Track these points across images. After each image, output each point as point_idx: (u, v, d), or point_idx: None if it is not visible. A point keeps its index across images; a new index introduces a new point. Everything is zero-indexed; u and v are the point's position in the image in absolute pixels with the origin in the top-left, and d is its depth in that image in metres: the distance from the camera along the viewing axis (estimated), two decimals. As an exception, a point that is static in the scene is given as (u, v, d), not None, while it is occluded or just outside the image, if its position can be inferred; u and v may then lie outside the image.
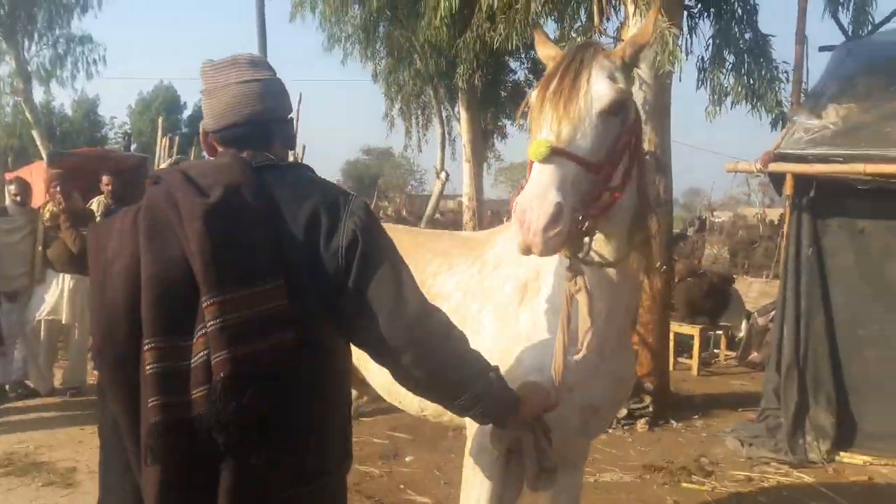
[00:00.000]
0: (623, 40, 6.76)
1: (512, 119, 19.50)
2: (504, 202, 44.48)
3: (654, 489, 4.88)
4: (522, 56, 17.81)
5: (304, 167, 1.88)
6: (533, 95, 1.95)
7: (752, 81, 7.65)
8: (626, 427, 6.18)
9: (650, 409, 6.40)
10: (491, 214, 23.60)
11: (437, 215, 21.29)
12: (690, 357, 8.67)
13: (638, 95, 6.58)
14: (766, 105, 7.86)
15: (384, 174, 48.82)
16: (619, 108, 1.93)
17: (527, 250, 1.77)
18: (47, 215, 6.74)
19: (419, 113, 18.81)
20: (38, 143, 19.48)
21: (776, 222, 18.56)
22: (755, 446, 5.54)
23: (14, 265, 6.71)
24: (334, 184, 1.85)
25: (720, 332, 9.07)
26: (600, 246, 2.06)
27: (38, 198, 7.90)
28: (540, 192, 1.73)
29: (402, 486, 4.83)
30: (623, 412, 6.28)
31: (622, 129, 1.94)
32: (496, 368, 1.79)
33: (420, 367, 1.70)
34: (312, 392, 1.69)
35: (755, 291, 11.11)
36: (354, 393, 3.29)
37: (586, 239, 1.93)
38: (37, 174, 11.67)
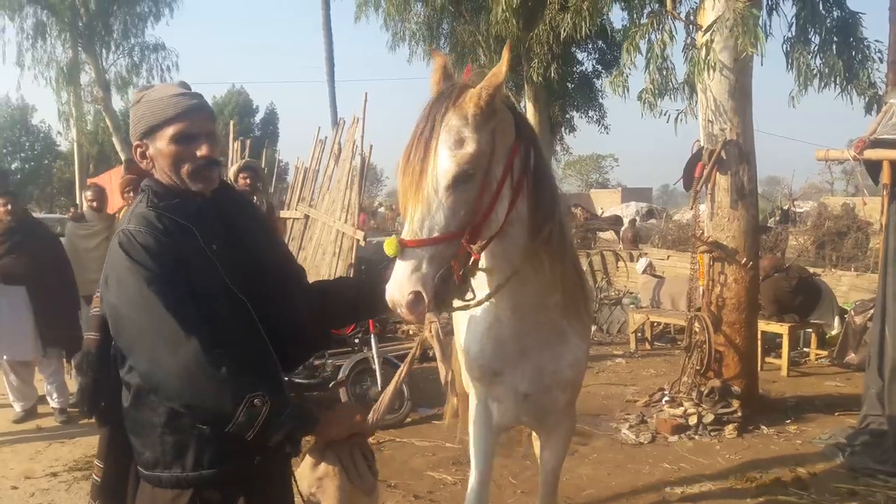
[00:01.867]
0: (700, 25, 6.52)
1: (580, 111, 19.14)
2: (573, 195, 43.87)
3: (746, 502, 4.55)
4: (589, 46, 17.44)
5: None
6: (399, 165, 2.09)
7: (841, 62, 7.17)
8: (713, 433, 5.84)
9: (738, 413, 6.03)
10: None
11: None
12: (779, 357, 8.21)
13: (718, 81, 6.23)
14: (857, 87, 7.36)
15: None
16: (471, 175, 2.02)
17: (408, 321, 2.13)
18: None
19: (487, 108, 18.59)
20: (119, 149, 20.13)
21: (863, 212, 17.60)
22: (858, 456, 5.13)
23: (92, 270, 6.81)
24: None
25: (810, 329, 8.55)
26: (490, 276, 2.29)
27: (115, 203, 8.03)
28: (398, 285, 1.97)
29: (477, 496, 4.63)
30: (710, 417, 5.95)
31: (486, 186, 2.06)
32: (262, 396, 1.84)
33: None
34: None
35: (845, 285, 10.51)
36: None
37: (471, 280, 2.11)
38: (115, 180, 12.01)
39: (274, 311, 2.07)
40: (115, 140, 20.40)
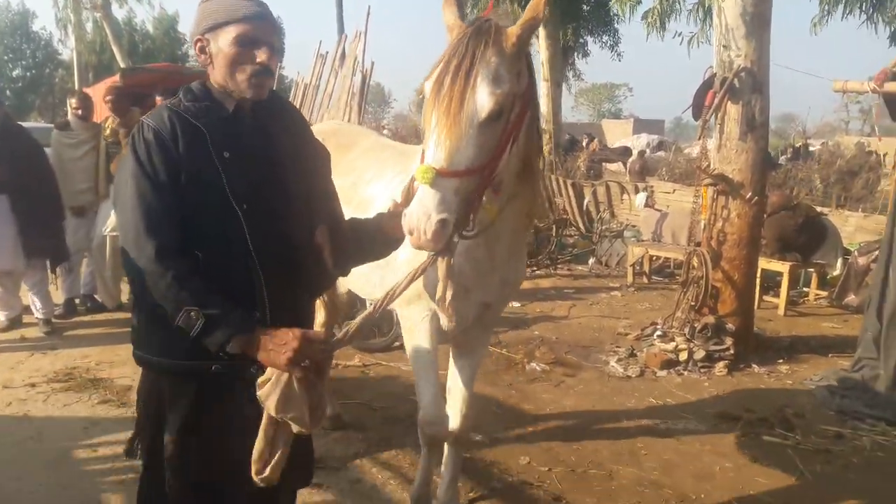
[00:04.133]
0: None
1: (594, 35, 18.54)
2: (584, 125, 43.12)
3: (730, 440, 4.48)
4: (607, -33, 16.73)
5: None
6: (427, 88, 2.11)
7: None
8: (703, 370, 5.75)
9: (731, 351, 5.93)
10: (569, 138, 22.76)
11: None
12: (777, 295, 8.08)
13: (734, 3, 5.88)
14: (884, 15, 6.99)
15: (461, 95, 47.85)
16: (501, 112, 2.09)
17: (421, 249, 2.08)
18: (108, 131, 6.62)
19: (496, 29, 17.98)
20: (119, 59, 19.66)
21: (876, 152, 17.20)
22: (848, 399, 5.03)
23: (79, 180, 6.66)
24: None
25: (812, 269, 8.39)
26: (484, 210, 2.28)
27: (103, 112, 7.79)
28: (425, 212, 2.00)
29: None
30: (701, 354, 5.86)
31: (507, 125, 2.13)
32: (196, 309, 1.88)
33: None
34: None
35: (851, 226, 10.30)
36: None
37: (472, 216, 2.17)
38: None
39: (289, 230, 2.09)
40: (115, 49, 19.89)
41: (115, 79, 11.95)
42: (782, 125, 44.98)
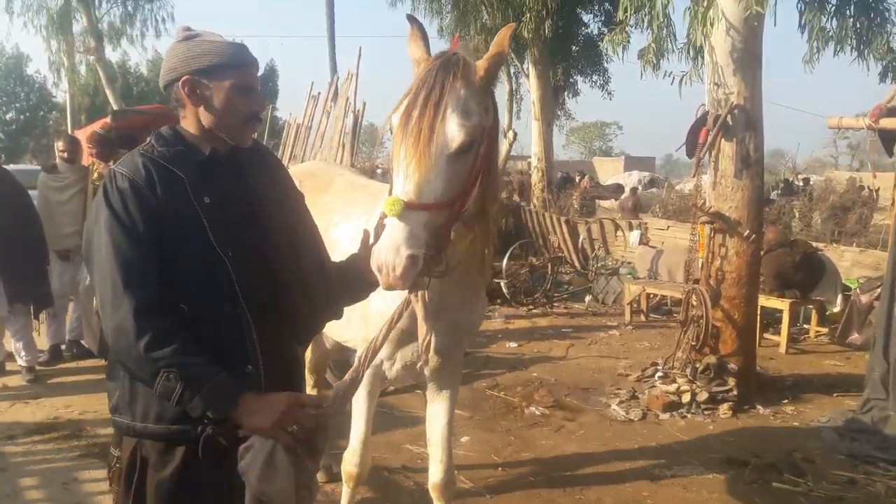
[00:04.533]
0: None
1: (584, 75, 18.63)
2: (576, 163, 43.39)
3: (739, 487, 4.31)
4: (596, 8, 16.90)
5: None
6: (394, 120, 2.05)
7: (858, 25, 6.79)
8: (706, 412, 5.58)
9: (734, 392, 5.77)
10: (561, 176, 22.81)
11: (505, 177, 20.63)
12: (778, 333, 7.95)
13: (725, 41, 5.86)
14: (874, 52, 6.99)
15: (454, 135, 48.15)
16: (472, 145, 2.04)
17: (390, 289, 1.99)
18: (95, 174, 6.51)
19: (486, 69, 18.06)
20: (112, 101, 19.64)
21: (868, 187, 17.23)
22: (858, 442, 4.88)
23: (65, 223, 6.51)
24: None
25: (811, 306, 8.27)
26: (454, 247, 2.21)
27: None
28: (394, 247, 1.92)
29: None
30: (704, 395, 5.70)
31: (476, 159, 2.08)
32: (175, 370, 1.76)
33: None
34: None
35: (848, 261, 10.19)
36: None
37: (442, 253, 2.09)
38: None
39: (277, 274, 1.98)
40: (108, 91, 19.90)
41: (104, 122, 11.94)
42: (772, 161, 45.33)
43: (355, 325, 3.00)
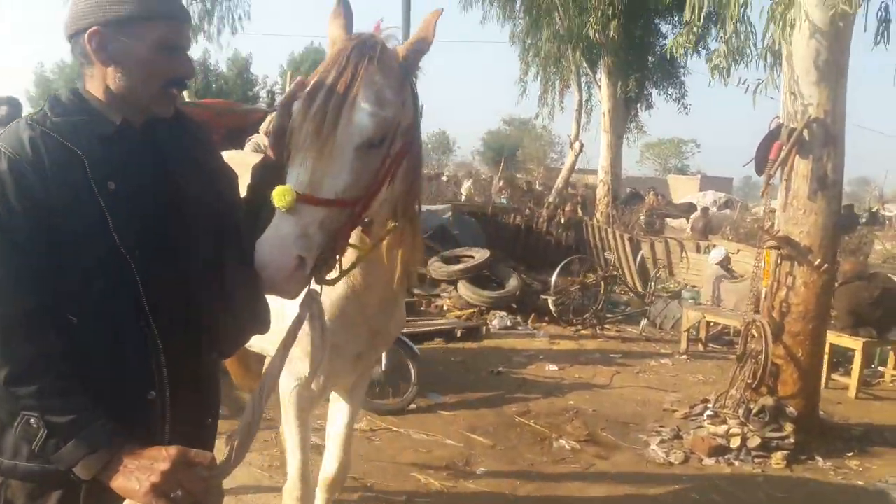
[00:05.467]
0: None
1: (659, 88, 17.92)
2: (649, 179, 42.24)
3: (787, 555, 3.76)
4: (674, 18, 16.18)
5: None
6: (296, 106, 1.76)
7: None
8: (757, 461, 4.99)
9: (791, 440, 5.16)
10: (629, 192, 22.06)
11: (570, 190, 20.06)
12: (848, 374, 7.22)
13: (805, 46, 5.27)
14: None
15: (524, 145, 47.67)
16: (383, 140, 1.77)
17: (272, 294, 1.72)
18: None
19: (556, 78, 17.57)
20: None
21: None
22: (933, 511, 4.24)
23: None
24: None
25: (889, 347, 7.49)
26: (351, 254, 2.02)
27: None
28: (280, 246, 1.64)
29: (461, 511, 3.97)
30: (756, 441, 5.11)
31: (387, 158, 1.80)
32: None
33: None
34: None
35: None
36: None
37: (336, 259, 1.84)
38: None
39: (196, 279, 1.66)
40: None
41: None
42: (857, 189, 43.22)
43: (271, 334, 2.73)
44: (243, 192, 1.86)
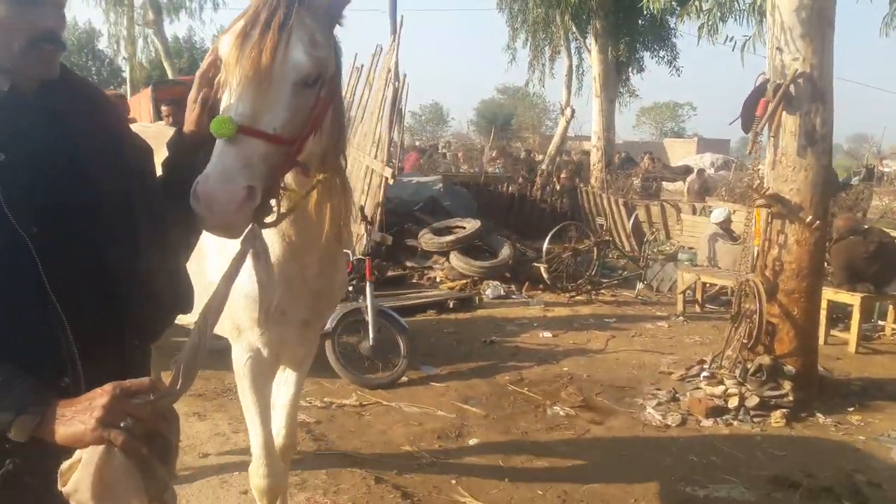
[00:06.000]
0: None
1: (651, 50, 17.67)
2: (646, 144, 41.94)
3: (785, 514, 3.70)
4: (664, -24, 15.90)
5: None
6: (224, 44, 1.73)
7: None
8: (756, 420, 4.93)
9: (790, 397, 5.08)
10: (622, 157, 21.85)
11: (563, 156, 19.85)
12: (847, 330, 7.15)
13: (792, 1, 5.11)
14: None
15: (518, 114, 47.28)
16: (317, 80, 1.77)
17: (218, 234, 1.70)
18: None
19: (545, 44, 17.31)
20: (170, 74, 19.75)
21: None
22: (934, 464, 4.18)
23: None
24: None
25: (888, 301, 7.41)
26: (289, 195, 2.03)
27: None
28: (227, 176, 1.60)
29: (452, 482, 3.90)
30: (754, 400, 5.04)
31: (318, 97, 1.80)
32: None
33: None
34: None
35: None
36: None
37: (272, 203, 1.82)
38: (143, 103, 11.55)
39: (105, 256, 1.48)
40: (165, 64, 20.04)
41: (147, 92, 11.85)
42: (854, 146, 42.92)
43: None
44: (159, 169, 1.74)
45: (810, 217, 5.28)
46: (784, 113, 5.27)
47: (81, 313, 1.43)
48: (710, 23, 5.79)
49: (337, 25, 1.91)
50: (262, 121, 1.66)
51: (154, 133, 2.89)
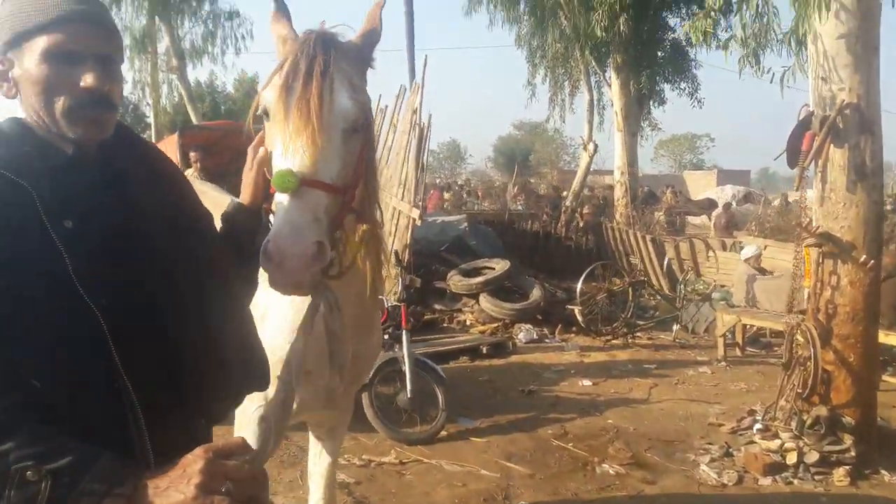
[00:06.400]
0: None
1: (671, 83, 17.56)
2: (665, 177, 41.75)
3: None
4: (682, 11, 15.84)
5: None
6: (269, 98, 1.70)
7: None
8: (817, 477, 4.64)
9: (851, 452, 4.80)
10: (644, 191, 21.61)
11: (586, 191, 19.69)
12: (897, 374, 6.84)
13: (833, 26, 4.94)
14: None
15: (535, 149, 47.38)
16: (360, 126, 1.74)
17: (289, 292, 1.62)
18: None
19: (565, 79, 17.27)
20: (193, 119, 19.90)
21: None
22: None
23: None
24: None
25: (940, 342, 7.09)
26: (347, 245, 1.95)
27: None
28: (297, 231, 1.55)
29: (503, 555, 3.66)
30: (814, 456, 4.76)
31: (362, 144, 1.78)
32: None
33: None
34: None
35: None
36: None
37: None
38: (169, 149, 11.56)
39: (174, 329, 1.38)
40: (189, 109, 20.19)
41: (173, 138, 11.88)
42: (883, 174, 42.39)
43: None
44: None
45: (864, 257, 5.03)
46: (832, 146, 5.06)
47: (150, 390, 1.30)
48: (747, 55, 5.63)
49: (369, 69, 1.88)
50: (320, 171, 1.62)
51: (209, 199, 2.83)
